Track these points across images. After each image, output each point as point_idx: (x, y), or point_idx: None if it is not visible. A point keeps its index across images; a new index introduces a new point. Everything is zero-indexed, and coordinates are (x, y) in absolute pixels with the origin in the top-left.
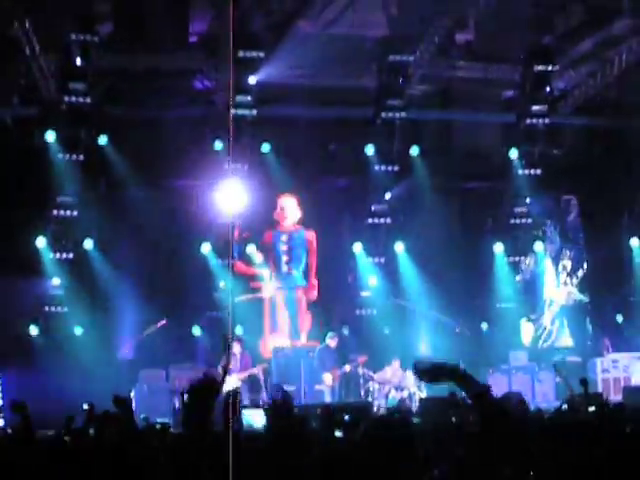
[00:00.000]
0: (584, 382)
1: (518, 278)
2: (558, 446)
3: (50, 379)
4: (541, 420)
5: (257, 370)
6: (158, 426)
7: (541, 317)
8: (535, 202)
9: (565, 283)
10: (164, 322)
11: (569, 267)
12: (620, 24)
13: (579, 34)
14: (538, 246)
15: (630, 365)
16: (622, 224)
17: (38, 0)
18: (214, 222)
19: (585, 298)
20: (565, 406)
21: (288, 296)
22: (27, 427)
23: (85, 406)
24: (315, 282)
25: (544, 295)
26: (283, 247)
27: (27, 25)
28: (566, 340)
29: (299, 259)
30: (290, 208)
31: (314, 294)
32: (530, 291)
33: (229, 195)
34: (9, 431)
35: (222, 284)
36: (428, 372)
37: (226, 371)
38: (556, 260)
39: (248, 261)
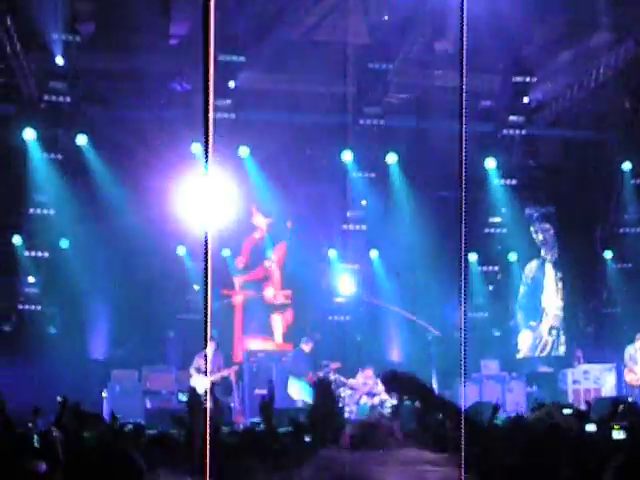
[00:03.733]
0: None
1: (521, 288)
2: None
3: (22, 379)
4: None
5: (229, 372)
6: (130, 426)
7: (539, 326)
8: (521, 211)
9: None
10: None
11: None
12: (598, 38)
13: (558, 47)
14: (513, 256)
15: (601, 376)
16: (595, 236)
17: None
18: (190, 224)
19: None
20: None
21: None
22: (7, 425)
23: (59, 399)
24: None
25: (542, 303)
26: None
27: (8, 23)
28: (562, 349)
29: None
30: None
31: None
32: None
33: (205, 198)
34: None
35: (196, 287)
36: (397, 388)
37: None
38: (556, 265)
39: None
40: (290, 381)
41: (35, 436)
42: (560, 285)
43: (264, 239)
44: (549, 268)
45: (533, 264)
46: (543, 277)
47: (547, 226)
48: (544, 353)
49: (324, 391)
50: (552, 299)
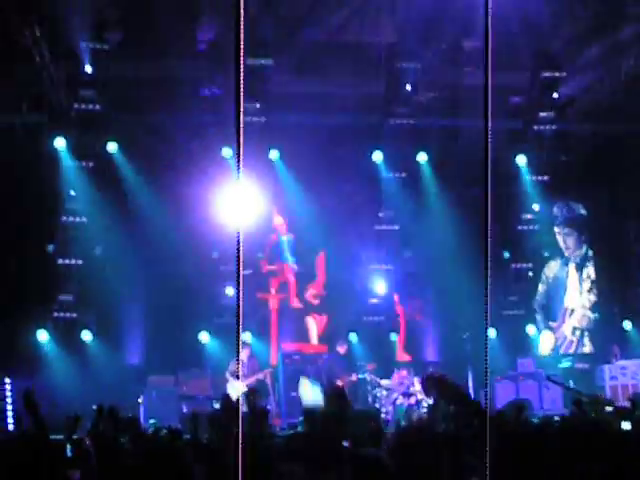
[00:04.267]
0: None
1: (541, 287)
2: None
3: (59, 385)
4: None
5: (262, 375)
6: (165, 431)
7: (561, 326)
8: (552, 208)
9: (588, 291)
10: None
11: (593, 275)
12: (627, 30)
13: (586, 40)
14: (546, 253)
15: (639, 372)
16: (629, 230)
17: (49, 8)
18: (223, 229)
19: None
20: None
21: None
22: (40, 427)
23: (94, 407)
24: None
25: (565, 303)
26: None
27: (37, 33)
28: (586, 350)
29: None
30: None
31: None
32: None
33: (236, 202)
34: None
35: (228, 291)
36: (435, 391)
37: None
38: (580, 267)
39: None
40: (301, 382)
41: (68, 445)
42: (587, 284)
43: (282, 240)
44: (572, 268)
45: (553, 264)
46: (566, 277)
47: (569, 230)
48: (570, 351)
49: (337, 397)
50: (576, 299)
